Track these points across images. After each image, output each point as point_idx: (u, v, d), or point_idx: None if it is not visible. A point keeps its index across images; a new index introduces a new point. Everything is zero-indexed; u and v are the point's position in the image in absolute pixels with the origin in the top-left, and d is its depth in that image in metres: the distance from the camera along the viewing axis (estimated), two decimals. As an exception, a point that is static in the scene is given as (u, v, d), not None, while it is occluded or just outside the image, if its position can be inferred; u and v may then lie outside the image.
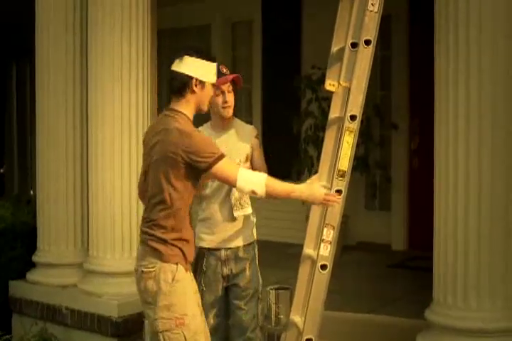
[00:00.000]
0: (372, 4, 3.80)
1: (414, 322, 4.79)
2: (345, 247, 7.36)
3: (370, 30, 3.82)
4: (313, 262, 3.95)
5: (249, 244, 4.33)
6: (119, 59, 5.71)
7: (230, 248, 4.25)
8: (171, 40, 9.68)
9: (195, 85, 3.61)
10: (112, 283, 5.77)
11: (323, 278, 3.91)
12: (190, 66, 3.61)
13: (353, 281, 6.49)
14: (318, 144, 7.32)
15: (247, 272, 4.28)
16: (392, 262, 7.35)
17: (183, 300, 3.56)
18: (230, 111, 4.23)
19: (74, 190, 6.27)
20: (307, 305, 3.92)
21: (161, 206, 3.58)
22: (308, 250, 4.03)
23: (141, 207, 5.70)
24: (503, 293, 4.17)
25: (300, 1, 8.45)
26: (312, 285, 3.91)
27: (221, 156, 3.50)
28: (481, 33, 4.10)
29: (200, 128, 4.45)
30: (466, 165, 4.19)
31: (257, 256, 4.40)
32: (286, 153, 8.04)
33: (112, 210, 5.74)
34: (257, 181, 3.56)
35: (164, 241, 3.57)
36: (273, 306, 4.18)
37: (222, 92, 4.18)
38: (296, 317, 3.94)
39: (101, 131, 5.76)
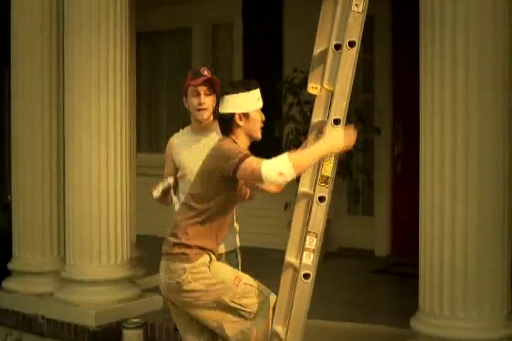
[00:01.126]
0: (356, 5, 3.69)
1: (399, 331, 4.69)
2: (327, 253, 7.27)
3: (354, 32, 3.71)
4: (296, 271, 3.83)
5: (231, 251, 4.21)
6: (97, 63, 5.61)
7: None
8: (151, 43, 9.64)
9: (240, 119, 3.68)
10: (90, 291, 5.66)
11: (306, 287, 3.78)
12: (230, 103, 3.66)
13: (336, 288, 6.38)
14: None
15: None
16: (376, 268, 7.26)
17: (227, 270, 3.78)
18: (205, 114, 4.11)
19: (50, 196, 6.15)
20: (290, 315, 3.79)
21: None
22: (290, 258, 3.90)
23: (120, 213, 5.73)
24: (491, 302, 4.07)
25: (281, 3, 8.36)
26: (294, 294, 3.78)
27: (244, 157, 3.51)
28: (468, 34, 4.03)
29: (180, 131, 4.33)
30: (453, 169, 4.10)
31: (240, 264, 4.27)
32: (268, 157, 7.90)
33: (90, 217, 5.62)
34: (280, 162, 3.48)
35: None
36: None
37: (198, 94, 4.07)
38: (278, 328, 3.81)
39: (78, 136, 5.64)
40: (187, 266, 3.62)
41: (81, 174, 5.62)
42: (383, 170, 7.86)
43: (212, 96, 4.11)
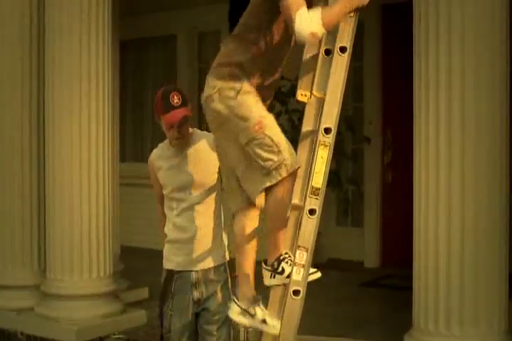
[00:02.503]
0: (348, 8, 3.52)
1: (391, 347, 4.53)
2: (316, 265, 7.07)
3: (346, 37, 3.53)
4: (285, 287, 3.66)
5: (220, 265, 4.02)
6: (78, 69, 5.45)
7: (200, 270, 3.94)
8: (136, 51, 9.54)
9: None
10: (71, 306, 5.49)
11: (296, 304, 3.60)
12: None
13: (325, 301, 6.20)
14: None
15: (219, 295, 3.98)
16: (365, 280, 7.14)
17: (253, 110, 3.39)
18: (182, 143, 3.89)
19: (30, 209, 6.00)
20: (279, 333, 3.61)
21: None
22: None
23: (102, 225, 5.54)
24: (489, 319, 3.93)
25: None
26: (284, 311, 3.61)
27: None
28: (464, 42, 3.92)
29: (158, 146, 4.10)
30: (448, 180, 3.97)
31: (229, 279, 4.08)
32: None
33: (71, 229, 5.46)
34: (314, 21, 3.24)
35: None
36: (242, 331, 4.02)
37: (172, 127, 3.80)
38: (268, 346, 3.64)
39: (59, 147, 5.50)
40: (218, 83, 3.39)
41: (62, 185, 5.46)
42: (373, 180, 7.77)
43: (187, 116, 3.86)
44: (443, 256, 3.96)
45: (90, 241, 5.48)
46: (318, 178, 3.58)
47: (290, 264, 3.57)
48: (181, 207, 3.91)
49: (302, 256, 3.62)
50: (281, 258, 3.59)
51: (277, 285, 3.60)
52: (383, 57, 7.69)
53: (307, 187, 3.59)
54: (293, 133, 7.32)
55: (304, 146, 3.79)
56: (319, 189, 3.57)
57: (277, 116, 7.25)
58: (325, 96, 3.56)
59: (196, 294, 3.94)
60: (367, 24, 7.43)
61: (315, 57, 3.69)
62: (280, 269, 3.59)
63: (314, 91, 3.61)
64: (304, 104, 3.74)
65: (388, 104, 7.68)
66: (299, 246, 3.60)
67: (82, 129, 5.46)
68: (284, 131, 7.55)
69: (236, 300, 3.56)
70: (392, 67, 7.57)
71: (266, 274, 3.61)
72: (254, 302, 3.52)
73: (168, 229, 4.00)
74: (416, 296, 4.08)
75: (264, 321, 3.49)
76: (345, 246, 7.84)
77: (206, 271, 3.95)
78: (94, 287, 5.52)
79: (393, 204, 7.67)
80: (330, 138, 3.57)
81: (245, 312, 3.53)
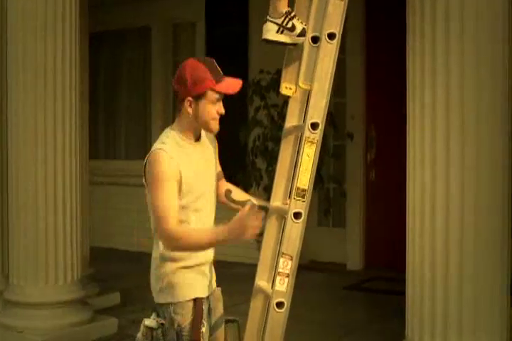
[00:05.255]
0: (337, -9, 3.20)
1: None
2: (297, 267, 6.80)
3: (335, 22, 3.21)
4: (267, 298, 3.34)
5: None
6: (43, 66, 5.09)
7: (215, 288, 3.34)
8: (109, 44, 9.33)
9: None
10: (36, 315, 5.14)
11: (279, 317, 3.28)
12: None
13: (307, 307, 5.87)
14: (267, 156, 6.92)
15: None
16: (348, 283, 6.88)
17: None
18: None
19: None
20: (259, 348, 3.29)
21: None
22: (261, 282, 3.47)
23: (69, 227, 5.19)
24: (489, 331, 3.65)
25: (247, 2, 8.00)
26: (266, 325, 3.29)
27: None
28: (463, 33, 3.66)
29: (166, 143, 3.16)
30: (447, 182, 3.68)
31: None
32: (232, 165, 7.48)
33: (35, 231, 5.11)
34: None
35: None
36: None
37: (219, 100, 3.15)
38: (248, 363, 3.31)
39: (23, 145, 5.14)
40: None
41: (26, 186, 5.12)
42: (356, 179, 7.57)
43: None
44: (440, 263, 3.69)
45: (56, 245, 5.13)
46: (305, 179, 3.27)
47: (302, 23, 3.27)
48: (201, 218, 3.17)
49: (286, 265, 3.31)
50: (292, 15, 3.28)
51: (285, 43, 3.31)
52: (367, 49, 7.46)
53: (291, 188, 3.27)
54: (272, 129, 7.10)
55: (287, 143, 3.54)
56: (305, 190, 3.26)
57: (256, 111, 7.06)
58: (312, 88, 3.24)
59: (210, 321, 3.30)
60: (350, 15, 7.11)
61: (300, 46, 3.38)
62: (290, 25, 3.27)
63: (300, 83, 3.30)
64: (285, 98, 3.45)
65: (372, 98, 7.45)
66: (283, 254, 3.27)
67: (48, 127, 5.10)
68: (263, 127, 7.36)
69: (270, 18, 3.35)
70: (377, 59, 7.36)
71: (270, 27, 3.32)
72: (290, 14, 3.28)
73: (178, 256, 3.12)
74: (410, 307, 3.79)
75: (303, 32, 3.24)
76: (326, 248, 7.63)
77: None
78: (60, 294, 5.17)
79: (377, 203, 7.48)
80: (317, 134, 3.26)
81: (283, 27, 3.29)
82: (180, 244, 2.95)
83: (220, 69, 3.15)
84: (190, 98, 3.06)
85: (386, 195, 7.32)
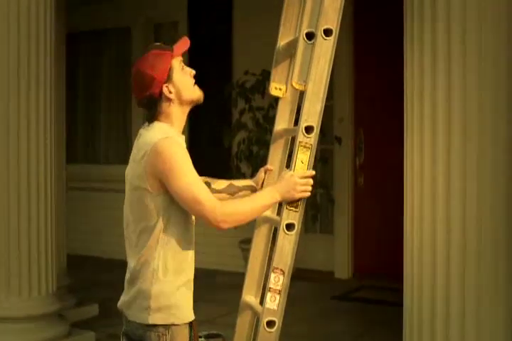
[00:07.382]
0: (334, -18, 2.96)
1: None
2: (282, 276, 6.58)
3: (331, 17, 3.01)
4: (255, 314, 3.10)
5: None
6: (15, 68, 4.81)
7: None
8: (87, 44, 9.12)
9: None
10: (8, 330, 4.81)
11: (270, 338, 3.03)
12: None
13: (293, 319, 5.52)
14: (252, 160, 6.70)
15: None
16: (337, 293, 6.66)
17: None
18: None
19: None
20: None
21: None
22: (248, 297, 3.25)
23: (44, 237, 4.91)
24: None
25: (231, 2, 7.83)
26: (255, 344, 3.02)
27: None
28: (465, 34, 3.45)
29: (170, 134, 2.84)
30: (447, 189, 3.44)
31: None
32: (216, 169, 7.23)
33: (7, 241, 4.81)
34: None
35: None
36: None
37: (185, 63, 2.94)
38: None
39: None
40: None
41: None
42: (344, 184, 7.40)
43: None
44: (440, 274, 3.47)
45: (30, 255, 4.84)
46: (298, 187, 3.02)
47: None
48: (194, 228, 2.90)
49: (278, 280, 3.03)
50: None
51: None
52: (355, 48, 7.27)
53: (283, 197, 3.01)
54: (257, 133, 6.88)
55: (277, 148, 3.36)
56: (299, 199, 3.01)
57: (240, 114, 6.84)
58: (306, 89, 2.97)
59: None
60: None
61: (292, 43, 3.13)
62: None
63: (293, 83, 3.02)
64: (271, 101, 3.21)
65: (361, 101, 7.25)
66: (275, 268, 2.99)
67: (21, 132, 4.82)
68: (248, 130, 7.15)
69: None
70: (365, 59, 7.16)
71: None
72: None
73: (181, 268, 2.78)
74: (407, 324, 3.53)
75: None
76: (314, 255, 7.41)
77: None
78: (34, 307, 4.87)
79: (366, 209, 7.29)
80: (312, 139, 3.01)
81: None
82: (237, 217, 2.76)
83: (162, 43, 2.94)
84: (165, 84, 2.79)
85: (375, 200, 7.11)
